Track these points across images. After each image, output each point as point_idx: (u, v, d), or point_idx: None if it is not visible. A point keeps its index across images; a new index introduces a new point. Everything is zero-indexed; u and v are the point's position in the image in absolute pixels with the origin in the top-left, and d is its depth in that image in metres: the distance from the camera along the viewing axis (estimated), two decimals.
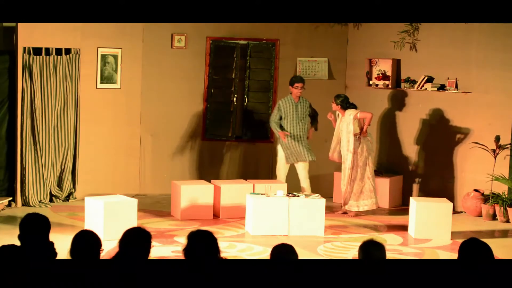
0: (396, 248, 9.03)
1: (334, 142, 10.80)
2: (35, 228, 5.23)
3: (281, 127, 10.83)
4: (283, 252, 4.97)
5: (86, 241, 5.05)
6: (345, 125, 10.52)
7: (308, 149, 10.89)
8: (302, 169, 10.97)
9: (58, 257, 5.28)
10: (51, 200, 10.83)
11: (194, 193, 10.21)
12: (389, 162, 11.75)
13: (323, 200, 9.68)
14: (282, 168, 10.95)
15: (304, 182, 10.94)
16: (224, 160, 11.93)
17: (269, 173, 11.87)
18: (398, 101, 11.64)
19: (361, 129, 10.47)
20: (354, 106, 10.56)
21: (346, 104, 10.51)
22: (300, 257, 5.04)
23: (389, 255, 7.60)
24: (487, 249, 4.96)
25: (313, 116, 11.08)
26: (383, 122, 11.74)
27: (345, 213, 10.68)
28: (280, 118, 10.84)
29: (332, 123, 10.84)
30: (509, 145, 10.57)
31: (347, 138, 10.50)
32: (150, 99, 11.64)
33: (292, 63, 11.97)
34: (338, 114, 10.72)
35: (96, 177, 11.25)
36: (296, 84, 10.78)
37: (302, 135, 10.88)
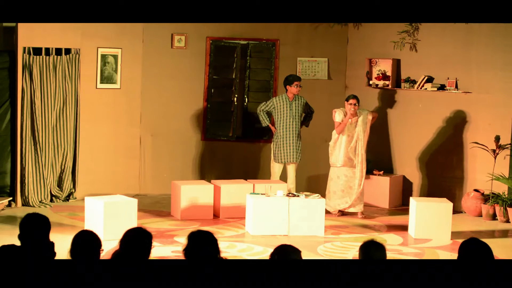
0: (396, 248, 9.03)
1: (345, 147, 10.44)
2: (35, 228, 5.23)
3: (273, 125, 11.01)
4: (286, 252, 4.97)
5: (86, 241, 5.06)
6: (363, 125, 10.40)
7: (297, 151, 10.90)
8: (291, 171, 10.98)
9: (58, 257, 5.28)
10: (51, 200, 10.84)
11: (194, 193, 10.21)
12: (389, 162, 11.74)
13: (323, 200, 9.68)
14: (276, 166, 10.98)
15: (292, 183, 10.93)
16: (224, 160, 11.93)
17: (269, 173, 11.86)
18: (398, 101, 11.64)
19: None
20: None
21: None
22: None
23: (389, 255, 7.61)
24: (487, 249, 4.96)
25: (307, 114, 11.06)
26: (383, 122, 11.73)
27: (344, 215, 10.62)
28: (268, 113, 10.93)
29: (341, 126, 10.44)
30: (509, 145, 10.57)
31: (364, 138, 10.44)
32: (150, 99, 11.64)
33: (292, 63, 11.97)
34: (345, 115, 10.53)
35: (96, 177, 11.25)
36: (295, 83, 10.78)
37: (295, 135, 10.88)
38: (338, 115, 10.49)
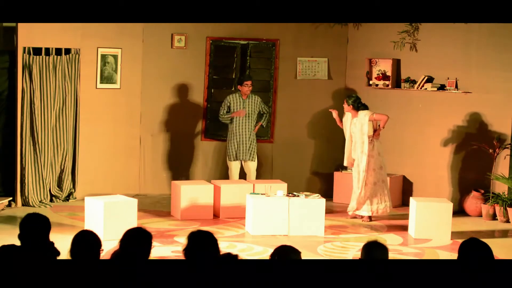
0: (396, 248, 9.03)
1: (349, 147, 10.36)
2: (35, 228, 5.23)
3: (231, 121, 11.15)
4: (286, 252, 4.97)
5: (86, 241, 5.06)
6: (359, 126, 10.16)
7: (250, 148, 11.01)
8: (251, 169, 11.11)
9: (58, 257, 5.28)
10: (51, 200, 10.84)
11: (194, 193, 10.21)
12: (389, 162, 11.72)
13: (323, 200, 9.68)
14: (231, 165, 11.11)
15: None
16: (224, 160, 11.92)
17: (270, 173, 11.87)
18: (398, 101, 11.64)
19: (374, 130, 10.20)
20: (366, 107, 10.29)
21: (358, 104, 10.20)
22: None
23: (389, 255, 7.60)
24: (487, 249, 4.96)
25: (263, 113, 11.21)
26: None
27: (355, 217, 10.44)
28: (228, 111, 11.07)
29: (336, 121, 10.54)
30: (509, 145, 10.57)
31: (361, 139, 10.14)
32: (150, 99, 11.64)
33: (292, 63, 11.97)
34: (344, 115, 10.47)
35: (96, 177, 11.24)
36: (245, 82, 11.02)
37: (248, 133, 11.00)
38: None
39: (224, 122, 11.15)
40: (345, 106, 10.30)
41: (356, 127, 10.23)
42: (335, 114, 10.53)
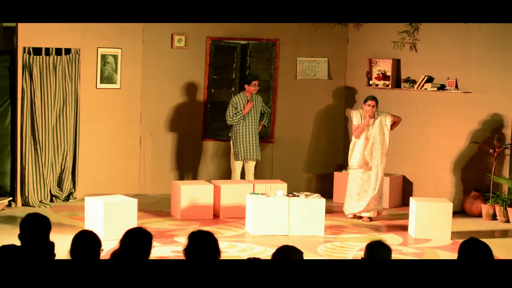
0: (396, 248, 9.02)
1: (363, 148, 10.18)
2: (36, 228, 5.23)
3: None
4: (288, 252, 4.97)
5: (86, 241, 5.06)
6: (380, 127, 10.15)
7: (257, 147, 11.01)
8: (251, 167, 11.08)
9: (58, 257, 5.28)
10: (51, 200, 10.84)
11: (194, 193, 10.21)
12: (389, 161, 11.72)
13: (323, 200, 9.68)
14: (237, 164, 11.07)
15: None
16: (224, 160, 11.92)
17: (270, 173, 11.87)
18: (398, 101, 11.63)
19: None
20: None
21: None
22: None
23: None
24: (487, 249, 4.96)
25: (263, 113, 11.22)
26: None
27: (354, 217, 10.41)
28: (236, 113, 10.97)
29: (358, 130, 10.21)
30: (509, 145, 10.58)
31: (382, 140, 10.13)
32: (150, 99, 11.64)
33: (292, 63, 11.97)
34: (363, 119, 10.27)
35: (96, 177, 11.24)
36: (254, 82, 10.96)
37: (254, 132, 11.00)
38: (354, 118, 10.28)
39: (234, 124, 10.96)
40: (374, 107, 10.14)
41: (375, 128, 10.18)
42: (371, 121, 10.23)
